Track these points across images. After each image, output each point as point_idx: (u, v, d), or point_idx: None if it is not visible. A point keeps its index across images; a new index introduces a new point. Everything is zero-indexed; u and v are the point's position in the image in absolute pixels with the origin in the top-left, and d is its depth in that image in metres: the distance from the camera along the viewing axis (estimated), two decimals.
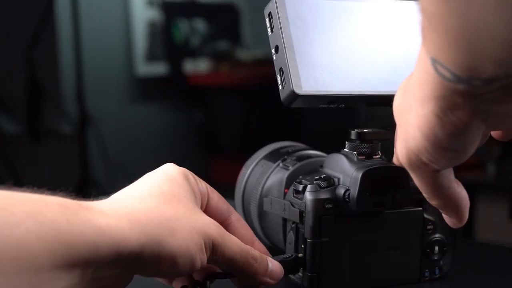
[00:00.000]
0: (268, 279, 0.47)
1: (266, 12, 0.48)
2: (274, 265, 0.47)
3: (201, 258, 0.42)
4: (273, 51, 0.47)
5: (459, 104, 0.34)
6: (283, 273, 0.48)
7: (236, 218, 0.50)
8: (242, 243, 0.46)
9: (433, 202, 0.43)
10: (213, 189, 0.49)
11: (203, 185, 0.48)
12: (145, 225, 0.40)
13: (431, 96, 0.35)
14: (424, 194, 0.43)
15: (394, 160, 0.48)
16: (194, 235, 0.42)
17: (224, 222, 0.49)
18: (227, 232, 0.45)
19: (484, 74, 0.32)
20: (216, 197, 0.49)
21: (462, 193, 0.43)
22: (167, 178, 0.45)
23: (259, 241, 0.50)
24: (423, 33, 0.34)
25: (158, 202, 0.43)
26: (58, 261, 0.35)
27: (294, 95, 0.45)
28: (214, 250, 0.43)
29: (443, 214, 0.45)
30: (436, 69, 0.34)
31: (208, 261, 0.43)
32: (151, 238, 0.40)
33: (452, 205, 0.43)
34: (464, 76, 0.33)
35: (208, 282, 0.46)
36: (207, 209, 0.48)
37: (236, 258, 0.45)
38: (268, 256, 0.48)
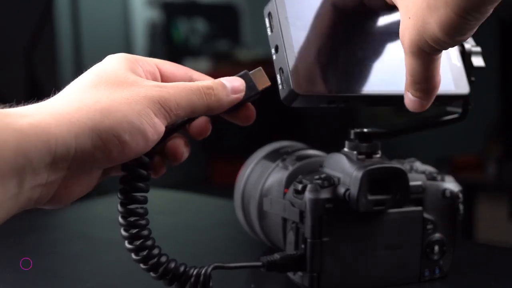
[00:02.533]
0: (235, 96, 0.46)
1: (265, 12, 0.47)
2: (230, 80, 0.46)
3: (154, 126, 0.41)
4: (273, 50, 0.47)
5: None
6: (243, 83, 0.47)
7: (197, 75, 0.48)
8: (189, 83, 0.44)
9: (420, 85, 0.44)
10: (163, 62, 0.47)
11: (150, 63, 0.46)
12: (72, 116, 0.38)
13: None
14: (414, 78, 0.44)
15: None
16: (134, 107, 0.40)
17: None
18: (170, 85, 0.43)
19: None
20: (168, 67, 0.47)
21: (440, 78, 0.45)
22: (96, 68, 0.44)
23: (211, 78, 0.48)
24: None
25: (81, 90, 0.41)
26: None
27: (294, 95, 0.45)
28: (167, 109, 0.42)
29: (406, 99, 0.45)
30: None
31: (169, 123, 0.42)
32: (83, 125, 0.38)
33: (431, 88, 0.44)
34: None
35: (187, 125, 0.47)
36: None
37: (194, 101, 0.43)
38: (221, 78, 0.46)
